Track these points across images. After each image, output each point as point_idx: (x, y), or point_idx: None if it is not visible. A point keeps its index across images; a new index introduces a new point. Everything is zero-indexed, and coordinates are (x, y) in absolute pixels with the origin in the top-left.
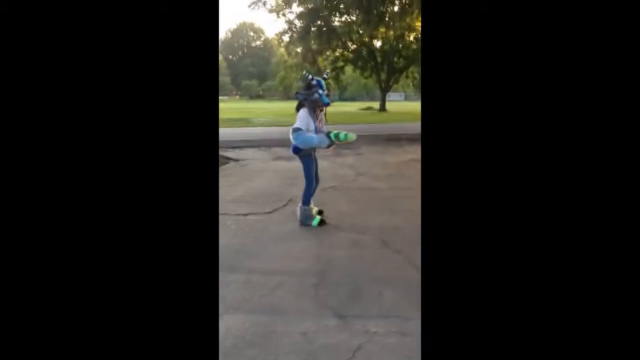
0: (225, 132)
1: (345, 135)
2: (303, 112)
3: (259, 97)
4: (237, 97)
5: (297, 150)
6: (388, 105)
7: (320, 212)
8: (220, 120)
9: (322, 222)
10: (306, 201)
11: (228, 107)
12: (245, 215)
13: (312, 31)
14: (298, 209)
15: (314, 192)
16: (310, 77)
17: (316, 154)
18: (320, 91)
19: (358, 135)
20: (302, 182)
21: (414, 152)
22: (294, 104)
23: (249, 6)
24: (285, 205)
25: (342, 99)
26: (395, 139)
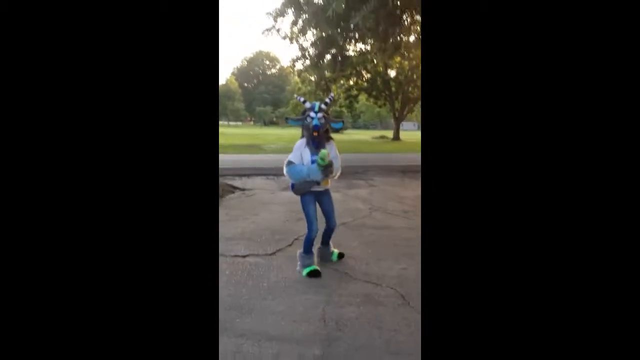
0: (234, 159)
1: (322, 158)
2: (299, 142)
3: (272, 123)
4: (252, 123)
5: (291, 188)
6: (401, 135)
7: (341, 256)
8: (230, 147)
9: (313, 273)
10: (305, 247)
11: (241, 132)
12: (244, 257)
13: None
14: (298, 255)
15: (329, 235)
16: (302, 99)
17: (326, 189)
18: (312, 114)
19: (373, 166)
20: None
21: None
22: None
23: (262, 33)
24: (290, 245)
25: (355, 127)
26: (411, 171)
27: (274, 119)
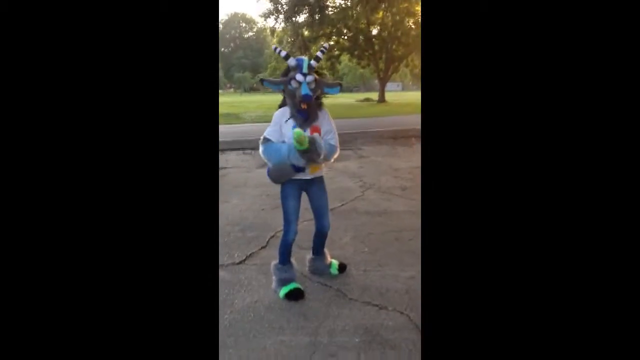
0: None
1: (297, 141)
2: (278, 112)
3: (253, 90)
4: (232, 90)
5: (267, 174)
6: (386, 96)
7: (342, 268)
8: None
9: (293, 294)
10: (281, 256)
11: (221, 101)
12: None
13: (303, 16)
14: (272, 267)
15: (321, 241)
16: (283, 53)
17: (316, 177)
18: (299, 77)
19: (361, 132)
20: None
21: None
22: None
23: None
24: (264, 246)
25: None
26: (402, 137)
27: (255, 85)
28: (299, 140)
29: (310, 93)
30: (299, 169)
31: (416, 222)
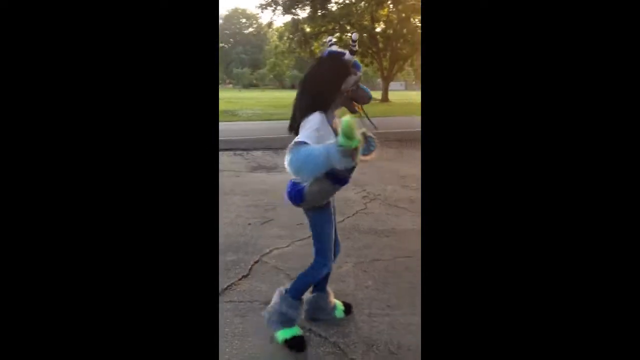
0: None
1: (345, 134)
2: (318, 117)
3: (252, 86)
4: (230, 86)
5: (295, 197)
6: (390, 96)
7: (348, 309)
8: None
9: (295, 343)
10: (297, 291)
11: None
12: None
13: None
14: (276, 296)
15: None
16: (336, 47)
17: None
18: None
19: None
20: (282, 216)
21: None
22: (289, 94)
23: None
24: (246, 275)
25: None
26: (408, 139)
27: (254, 81)
28: (346, 133)
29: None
30: (343, 181)
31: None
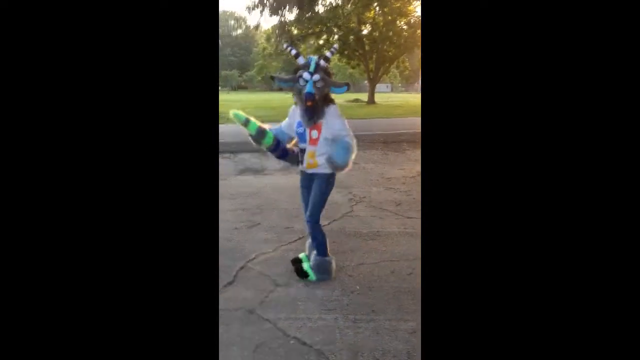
0: None
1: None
2: (292, 108)
3: (240, 88)
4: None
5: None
6: (376, 97)
7: (298, 266)
8: None
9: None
10: (325, 251)
11: None
12: None
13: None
14: (312, 258)
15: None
16: (293, 51)
17: (315, 173)
18: (306, 75)
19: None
20: (268, 219)
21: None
22: (278, 95)
23: None
24: (230, 282)
25: None
26: (393, 141)
27: (242, 83)
28: (238, 122)
29: (313, 91)
30: (274, 154)
31: (414, 247)
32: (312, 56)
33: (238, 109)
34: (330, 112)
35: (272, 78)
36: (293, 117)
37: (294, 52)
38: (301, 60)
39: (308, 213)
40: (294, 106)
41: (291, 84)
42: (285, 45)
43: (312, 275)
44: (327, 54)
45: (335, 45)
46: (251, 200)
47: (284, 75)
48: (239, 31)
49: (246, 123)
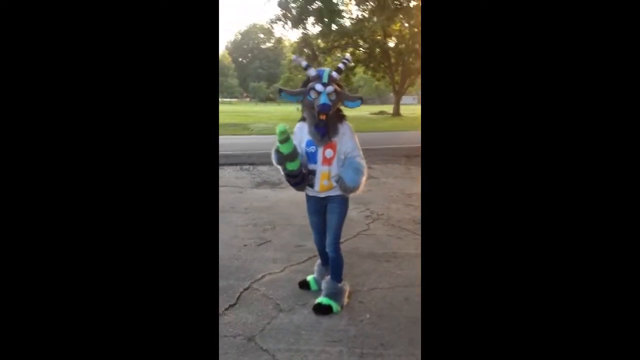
0: None
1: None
2: (298, 126)
3: (268, 99)
4: (248, 99)
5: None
6: (401, 110)
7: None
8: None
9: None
10: (339, 275)
11: (232, 109)
12: None
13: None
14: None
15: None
16: (304, 63)
17: (329, 196)
18: (319, 86)
19: (372, 148)
20: (279, 237)
21: None
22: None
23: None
24: (233, 305)
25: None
26: (417, 155)
27: (270, 95)
28: (281, 132)
29: (329, 103)
30: (292, 180)
31: None
32: (323, 68)
33: (264, 120)
34: (345, 129)
35: (280, 91)
36: (300, 136)
37: (304, 63)
38: (312, 72)
39: (331, 240)
40: (299, 124)
41: (300, 97)
42: (294, 57)
43: (336, 307)
44: (340, 65)
45: (348, 56)
46: (264, 215)
47: (291, 89)
48: (268, 44)
49: (285, 140)
